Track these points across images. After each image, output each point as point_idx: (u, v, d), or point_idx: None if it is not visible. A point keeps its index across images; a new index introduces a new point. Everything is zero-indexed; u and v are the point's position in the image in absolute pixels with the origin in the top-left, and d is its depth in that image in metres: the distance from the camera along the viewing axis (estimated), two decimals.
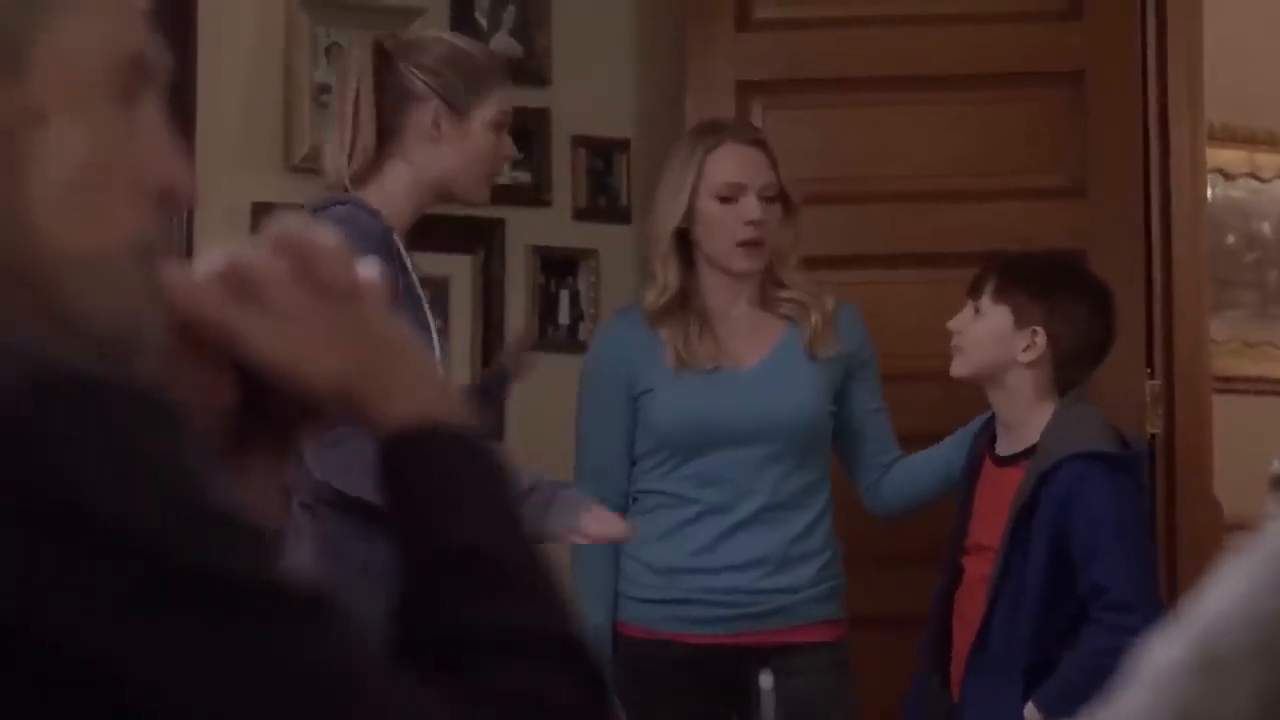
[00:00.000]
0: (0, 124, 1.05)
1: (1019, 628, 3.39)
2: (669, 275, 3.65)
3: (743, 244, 3.61)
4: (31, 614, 0.94)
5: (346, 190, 3.26)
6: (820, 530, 3.64)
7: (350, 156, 3.28)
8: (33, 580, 0.94)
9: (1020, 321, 3.52)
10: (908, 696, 3.63)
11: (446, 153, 3.30)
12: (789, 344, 3.66)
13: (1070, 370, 3.55)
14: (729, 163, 3.63)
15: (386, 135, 3.29)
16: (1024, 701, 3.36)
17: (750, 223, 3.60)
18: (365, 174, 3.28)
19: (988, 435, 3.62)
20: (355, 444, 2.96)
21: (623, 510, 3.63)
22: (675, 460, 3.62)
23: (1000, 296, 3.54)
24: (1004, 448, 3.58)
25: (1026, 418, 3.53)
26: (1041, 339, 3.51)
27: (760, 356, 3.65)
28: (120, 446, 0.97)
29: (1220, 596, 0.97)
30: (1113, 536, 3.37)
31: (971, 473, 3.60)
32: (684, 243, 3.66)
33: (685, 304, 3.65)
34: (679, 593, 3.60)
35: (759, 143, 3.69)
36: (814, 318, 3.65)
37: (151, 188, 1.11)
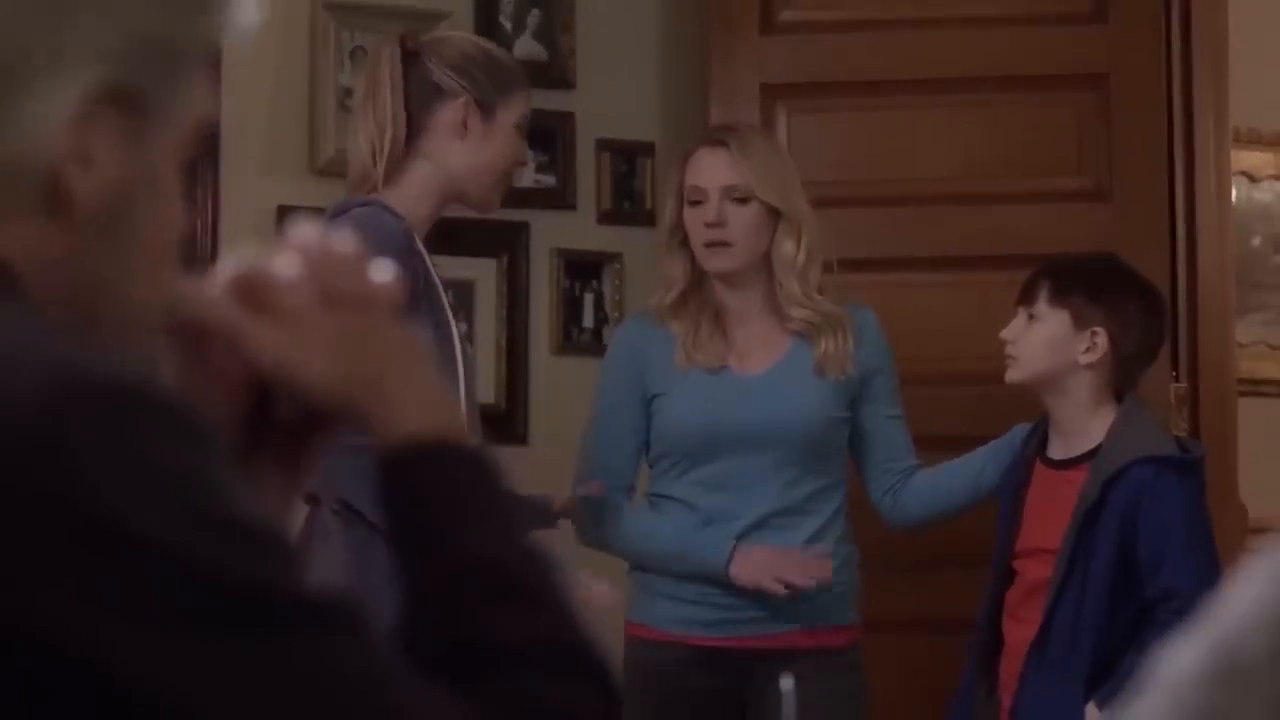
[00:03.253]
0: (131, 179, 1.10)
1: (1082, 629, 3.38)
2: (673, 273, 3.68)
3: (708, 245, 3.63)
4: (32, 614, 0.95)
5: (375, 189, 3.26)
6: (831, 535, 3.62)
7: (377, 155, 3.27)
8: (33, 580, 0.95)
9: (1079, 324, 3.51)
10: (955, 700, 3.61)
11: (470, 151, 3.29)
12: (797, 358, 3.65)
13: (1127, 371, 3.54)
14: (693, 167, 3.67)
15: (412, 132, 3.28)
16: (1085, 704, 3.35)
17: (709, 225, 3.61)
18: (389, 173, 3.27)
19: (1037, 439, 3.61)
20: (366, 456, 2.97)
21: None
22: (684, 465, 3.63)
23: (1058, 300, 3.53)
24: (1059, 451, 3.56)
25: (1085, 422, 3.51)
26: (1103, 340, 3.50)
27: (767, 366, 3.65)
28: (129, 450, 0.97)
29: (1241, 601, 0.97)
30: (1182, 540, 3.37)
31: (1019, 477, 3.58)
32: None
33: (700, 301, 3.67)
34: (687, 595, 3.61)
35: (722, 143, 3.67)
36: (824, 344, 3.63)
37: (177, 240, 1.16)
